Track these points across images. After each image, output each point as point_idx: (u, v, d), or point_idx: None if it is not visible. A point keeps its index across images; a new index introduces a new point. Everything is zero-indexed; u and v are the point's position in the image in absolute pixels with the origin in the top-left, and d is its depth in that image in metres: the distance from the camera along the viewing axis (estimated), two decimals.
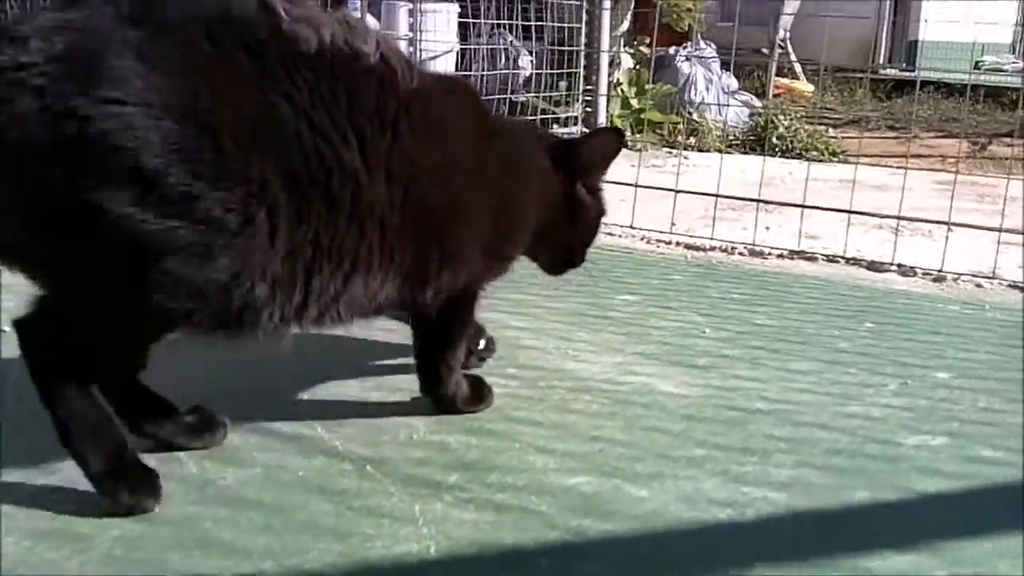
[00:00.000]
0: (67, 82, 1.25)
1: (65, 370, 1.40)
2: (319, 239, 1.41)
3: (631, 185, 3.47)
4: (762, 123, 5.95)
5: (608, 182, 1.90)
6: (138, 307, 1.33)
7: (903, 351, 2.20)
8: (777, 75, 8.17)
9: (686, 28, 5.73)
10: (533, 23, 5.28)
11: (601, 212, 1.88)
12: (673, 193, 3.48)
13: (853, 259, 3.12)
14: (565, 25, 5.14)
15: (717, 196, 3.36)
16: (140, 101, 1.26)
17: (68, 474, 1.44)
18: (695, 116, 6.06)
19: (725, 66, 6.55)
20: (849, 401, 1.90)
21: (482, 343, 1.98)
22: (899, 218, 3.15)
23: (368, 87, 1.47)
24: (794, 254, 3.19)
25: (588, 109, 5.33)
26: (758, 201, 3.31)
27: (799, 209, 3.36)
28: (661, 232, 3.36)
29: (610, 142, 1.87)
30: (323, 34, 1.43)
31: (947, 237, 3.06)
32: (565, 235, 1.85)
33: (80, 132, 1.24)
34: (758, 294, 2.66)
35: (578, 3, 5.07)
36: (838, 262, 3.11)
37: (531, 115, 5.16)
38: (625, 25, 5.63)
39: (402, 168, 1.49)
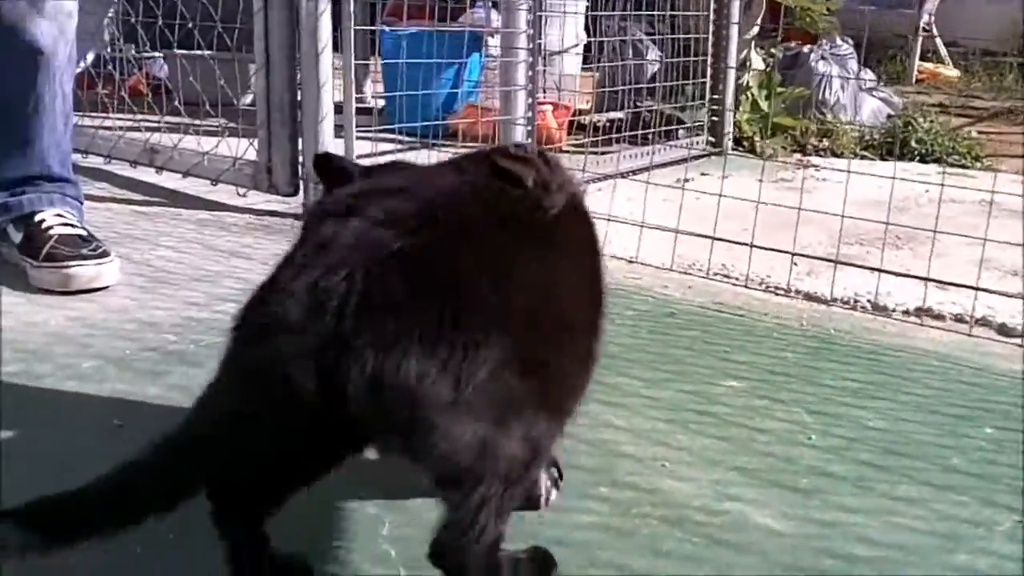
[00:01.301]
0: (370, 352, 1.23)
1: None
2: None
3: (745, 244, 3.40)
4: (900, 125, 5.72)
5: None
6: None
7: None
8: (921, 59, 7.79)
9: (820, 30, 5.51)
10: (657, 36, 5.17)
11: None
12: (796, 223, 3.38)
13: (983, 319, 2.98)
14: (691, 36, 5.01)
15: (836, 263, 3.27)
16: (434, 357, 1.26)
17: None
18: (829, 117, 5.85)
19: (867, 59, 6.30)
20: (956, 546, 1.80)
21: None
22: None
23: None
24: (920, 312, 3.06)
25: (715, 118, 5.21)
26: (879, 271, 3.18)
27: (930, 244, 3.23)
28: (778, 285, 3.28)
29: None
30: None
31: None
32: None
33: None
34: (873, 381, 2.55)
35: (705, 14, 4.93)
36: (966, 323, 2.97)
37: (657, 123, 5.07)
38: (755, 30, 5.45)
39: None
